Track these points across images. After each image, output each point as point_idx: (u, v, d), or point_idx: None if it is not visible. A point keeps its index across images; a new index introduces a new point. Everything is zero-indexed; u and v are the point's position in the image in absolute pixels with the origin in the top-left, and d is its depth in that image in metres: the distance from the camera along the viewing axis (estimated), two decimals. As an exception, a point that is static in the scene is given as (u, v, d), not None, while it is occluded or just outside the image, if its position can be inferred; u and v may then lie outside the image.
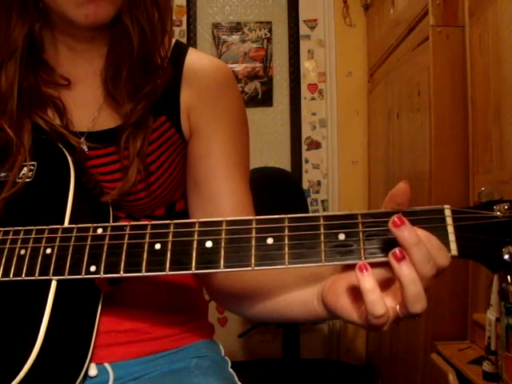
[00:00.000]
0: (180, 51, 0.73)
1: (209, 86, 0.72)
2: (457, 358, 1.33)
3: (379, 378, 2.22)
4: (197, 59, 0.73)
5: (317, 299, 0.56)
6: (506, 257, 0.47)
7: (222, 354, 0.79)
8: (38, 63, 0.69)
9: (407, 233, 0.46)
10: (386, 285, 0.49)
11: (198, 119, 0.72)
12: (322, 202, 2.59)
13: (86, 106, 0.70)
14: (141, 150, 0.67)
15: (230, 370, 0.76)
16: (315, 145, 2.60)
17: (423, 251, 0.46)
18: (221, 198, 0.70)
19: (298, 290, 0.59)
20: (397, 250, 0.46)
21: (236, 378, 0.74)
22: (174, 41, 0.74)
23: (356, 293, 0.49)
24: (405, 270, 0.46)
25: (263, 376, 2.30)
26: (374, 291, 0.46)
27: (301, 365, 2.21)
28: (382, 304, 0.46)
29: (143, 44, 0.67)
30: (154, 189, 0.70)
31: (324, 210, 2.58)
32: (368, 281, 0.46)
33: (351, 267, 0.50)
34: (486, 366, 1.15)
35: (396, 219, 0.46)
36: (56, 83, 0.70)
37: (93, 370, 0.64)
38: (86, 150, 0.69)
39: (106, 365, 0.67)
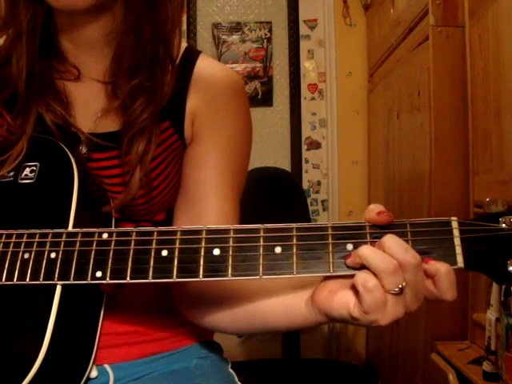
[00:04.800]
0: (191, 56, 0.72)
1: (216, 95, 0.70)
2: (457, 358, 1.33)
3: (379, 378, 2.22)
4: (207, 66, 0.72)
5: (305, 302, 0.55)
6: (511, 269, 0.48)
7: (223, 354, 0.79)
8: (51, 51, 0.68)
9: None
10: None
11: (200, 127, 0.70)
12: (322, 202, 2.59)
13: (90, 106, 0.69)
14: (143, 156, 0.66)
15: (230, 370, 0.76)
16: (315, 145, 2.60)
17: (379, 255, 0.47)
18: (205, 210, 0.69)
19: (284, 295, 0.58)
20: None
21: (236, 378, 0.74)
22: (184, 45, 0.73)
23: (352, 287, 0.49)
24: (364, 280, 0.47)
25: (263, 376, 2.29)
26: (370, 280, 0.47)
27: (301, 365, 2.21)
28: (371, 276, 0.47)
29: (148, 42, 0.65)
30: (154, 195, 0.69)
31: (324, 209, 2.58)
32: (362, 273, 0.47)
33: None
34: (486, 366, 1.15)
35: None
36: (67, 72, 0.69)
37: (93, 372, 0.64)
38: (85, 150, 0.68)
39: (106, 366, 0.67)
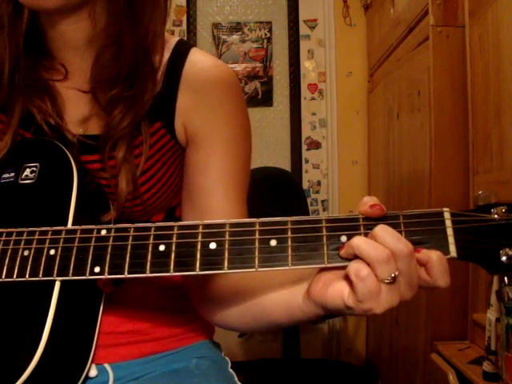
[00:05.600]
0: (182, 51, 0.70)
1: (209, 93, 0.68)
2: (457, 358, 1.33)
3: (379, 378, 2.22)
4: (198, 61, 0.70)
5: (302, 296, 0.55)
6: (504, 258, 0.48)
7: (222, 354, 0.79)
8: (38, 47, 0.68)
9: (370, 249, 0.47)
10: None
11: (196, 129, 0.69)
12: (322, 202, 2.59)
13: (77, 108, 0.69)
14: (128, 161, 0.65)
15: (230, 370, 0.76)
16: (315, 145, 2.60)
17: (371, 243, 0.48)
18: (212, 215, 0.68)
19: (283, 291, 0.58)
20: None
21: (236, 378, 0.74)
22: (176, 40, 0.72)
23: (345, 277, 0.49)
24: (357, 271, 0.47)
25: (263, 376, 2.29)
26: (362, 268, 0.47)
27: (301, 365, 2.21)
28: (364, 265, 0.47)
29: (129, 55, 0.65)
30: (147, 197, 0.68)
31: (324, 210, 2.58)
32: (355, 263, 0.48)
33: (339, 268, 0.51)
34: (486, 366, 1.15)
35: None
36: (56, 71, 0.68)
37: (93, 371, 0.64)
38: (75, 152, 0.67)
39: (106, 365, 0.67)
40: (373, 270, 0.47)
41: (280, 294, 0.59)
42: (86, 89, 0.68)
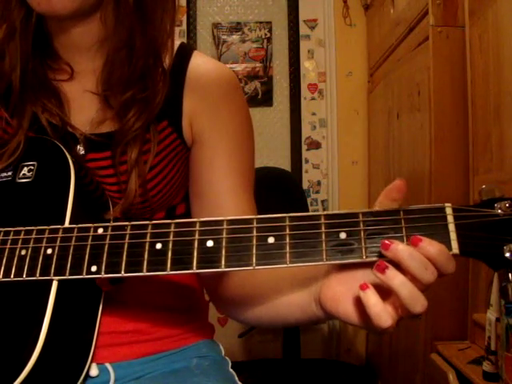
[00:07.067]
0: (184, 54, 0.72)
1: (213, 94, 0.71)
2: (457, 358, 1.33)
3: (379, 378, 2.22)
4: (201, 64, 0.72)
5: (315, 303, 0.56)
6: (507, 254, 0.47)
7: (223, 353, 0.79)
8: (46, 50, 0.69)
9: (397, 248, 0.47)
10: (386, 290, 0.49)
11: (202, 128, 0.70)
12: (322, 201, 2.59)
13: (85, 108, 0.69)
14: (138, 162, 0.66)
15: (231, 369, 0.76)
16: (315, 145, 2.60)
17: (417, 260, 0.47)
18: (223, 210, 0.69)
19: (294, 294, 0.59)
20: (378, 262, 0.48)
21: (236, 378, 0.74)
22: (178, 43, 0.73)
23: (357, 299, 0.50)
24: (391, 278, 0.47)
25: (263, 376, 2.29)
26: (378, 304, 0.47)
27: (301, 365, 2.21)
28: (386, 315, 0.47)
29: (141, 57, 0.66)
30: (153, 194, 0.69)
31: (324, 209, 2.58)
32: (370, 297, 0.47)
33: (345, 268, 0.52)
34: (486, 366, 1.15)
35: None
36: (61, 70, 0.69)
37: (94, 370, 0.64)
38: (83, 150, 0.68)
39: (107, 365, 0.67)
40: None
41: (292, 297, 0.59)
42: (95, 90, 0.68)
